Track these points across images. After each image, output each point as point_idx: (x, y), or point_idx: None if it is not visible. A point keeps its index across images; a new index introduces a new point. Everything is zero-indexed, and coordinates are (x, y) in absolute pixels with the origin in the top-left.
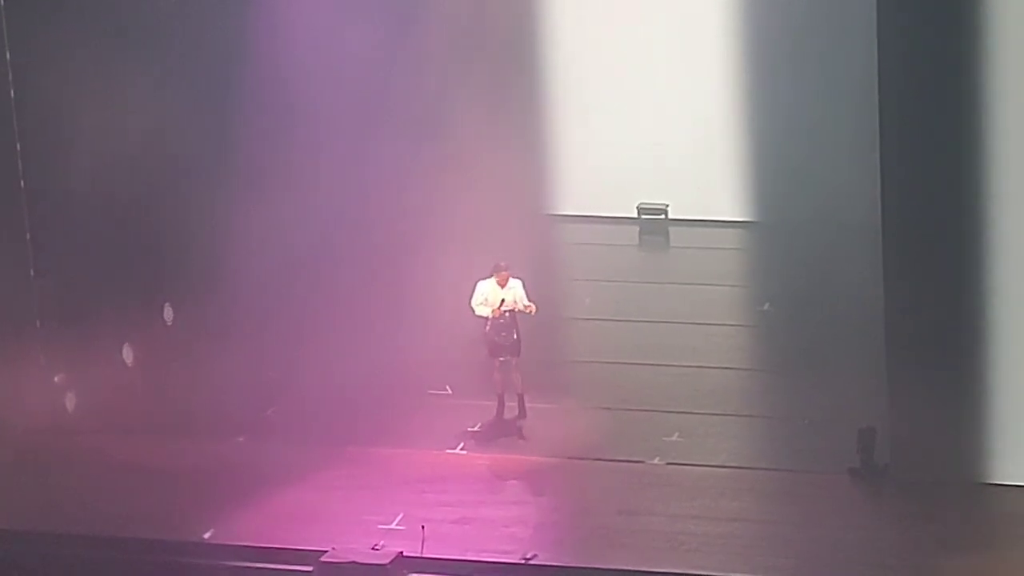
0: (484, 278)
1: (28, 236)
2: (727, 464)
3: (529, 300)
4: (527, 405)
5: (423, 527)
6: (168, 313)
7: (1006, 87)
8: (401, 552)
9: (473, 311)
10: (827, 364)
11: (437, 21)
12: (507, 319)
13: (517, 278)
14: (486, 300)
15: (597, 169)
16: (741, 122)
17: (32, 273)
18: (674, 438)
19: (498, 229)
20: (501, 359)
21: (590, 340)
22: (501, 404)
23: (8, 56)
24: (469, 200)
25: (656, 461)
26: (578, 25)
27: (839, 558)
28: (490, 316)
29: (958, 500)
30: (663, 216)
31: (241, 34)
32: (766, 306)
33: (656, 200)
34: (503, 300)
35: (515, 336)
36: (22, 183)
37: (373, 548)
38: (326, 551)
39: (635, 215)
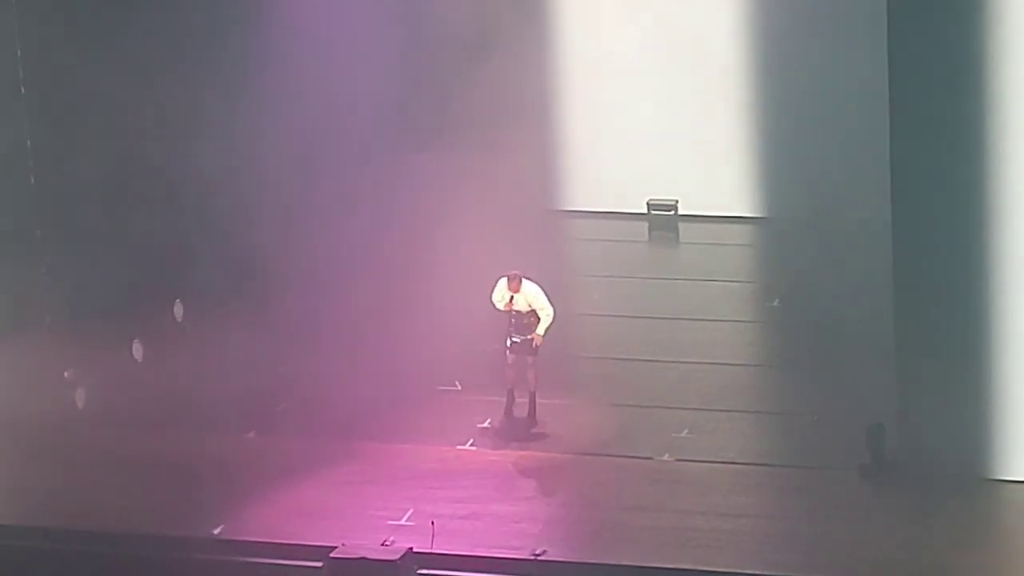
0: (503, 275)
1: (39, 233)
2: (737, 460)
3: (548, 304)
4: (537, 403)
5: (433, 523)
6: (178, 309)
7: (1018, 84)
8: (411, 548)
9: (494, 305)
10: (836, 360)
11: (446, 18)
12: (529, 318)
13: (534, 283)
14: (502, 298)
15: (606, 165)
16: (751, 117)
17: (43, 269)
18: (683, 434)
19: (508, 225)
20: (515, 356)
21: (599, 336)
22: (511, 400)
23: (19, 53)
24: (479, 196)
25: (665, 457)
26: (587, 21)
27: (848, 554)
28: (503, 310)
29: (967, 496)
30: (673, 212)
31: (254, 30)
32: (775, 302)
33: (666, 196)
34: (512, 298)
35: (532, 337)
36: (32, 180)
37: (383, 544)
38: (336, 547)
39: (645, 211)
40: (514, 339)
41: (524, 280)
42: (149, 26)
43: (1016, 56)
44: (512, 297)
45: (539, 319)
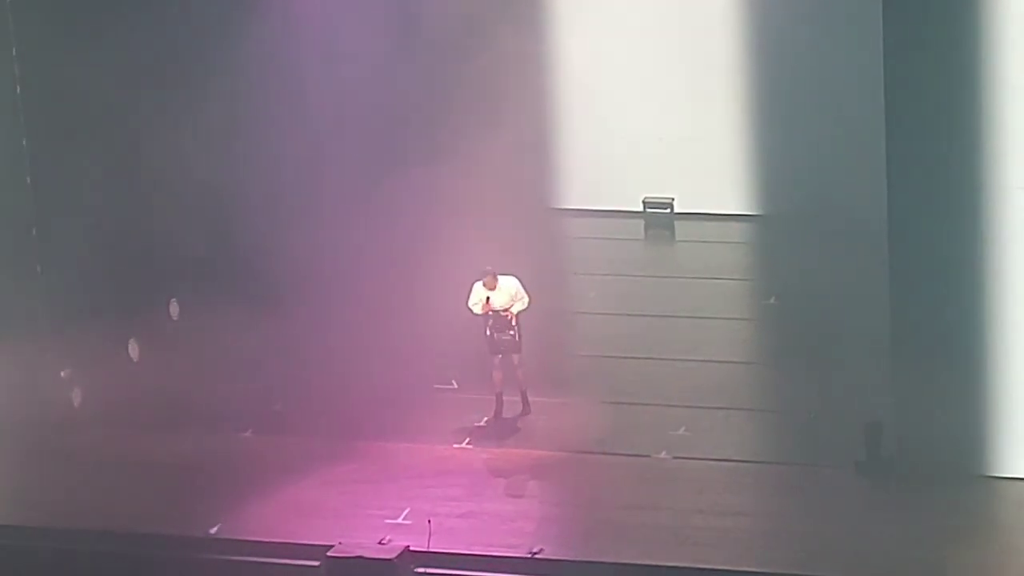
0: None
1: (34, 232)
2: (733, 458)
3: (526, 293)
4: (530, 400)
5: (429, 521)
6: (174, 308)
7: (1013, 82)
8: (408, 546)
9: (471, 310)
10: (833, 358)
11: (442, 14)
12: (506, 317)
13: (511, 275)
14: (479, 301)
15: (602, 163)
16: (747, 115)
17: (38, 269)
18: (680, 432)
19: (503, 223)
20: (500, 357)
21: (595, 334)
22: (499, 403)
23: (14, 52)
24: (474, 194)
25: (662, 455)
26: (583, 17)
27: (845, 551)
28: (481, 313)
29: (964, 493)
30: (668, 210)
31: (253, 29)
32: (772, 300)
33: (661, 194)
34: (488, 299)
35: (514, 334)
36: (28, 179)
37: (380, 542)
38: (333, 546)
39: (640, 209)
40: (496, 336)
41: (499, 276)
42: (146, 25)
43: (1013, 51)
44: (488, 298)
45: (517, 318)
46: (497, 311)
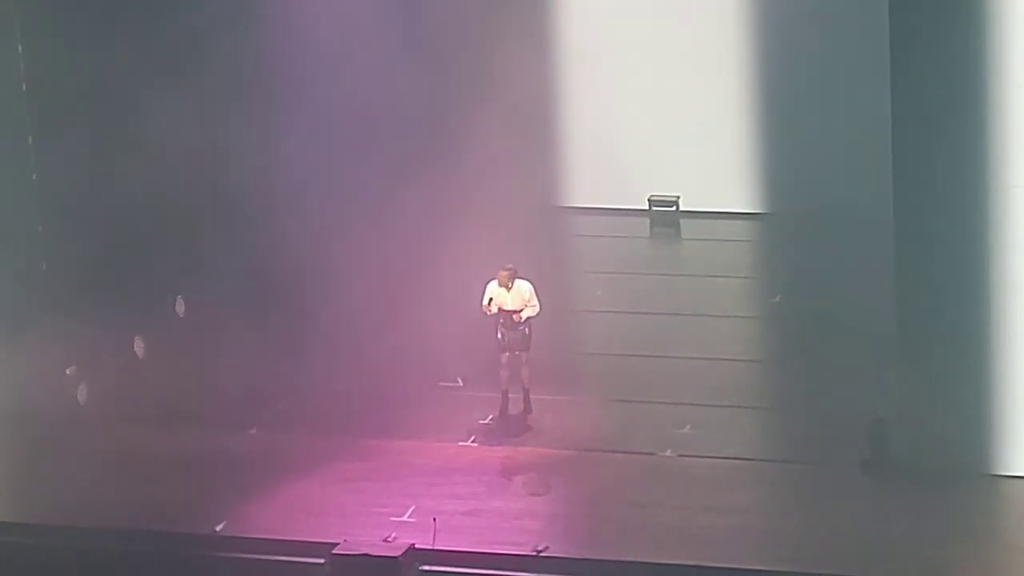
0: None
1: (40, 229)
2: (738, 456)
3: (538, 301)
4: (535, 399)
5: (435, 519)
6: (179, 305)
7: (1018, 80)
8: (413, 544)
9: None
10: (838, 356)
11: (448, 13)
12: (517, 317)
13: (525, 279)
14: (489, 299)
15: (608, 161)
16: (752, 113)
17: (44, 266)
18: (685, 430)
19: (510, 221)
20: (508, 355)
21: (601, 332)
22: (505, 400)
23: (20, 49)
24: (481, 192)
25: (667, 453)
26: (590, 16)
27: (850, 549)
28: (488, 314)
29: (970, 492)
30: (674, 208)
31: (257, 29)
32: (777, 298)
33: (667, 192)
34: (491, 300)
35: (525, 332)
36: (34, 176)
37: (385, 540)
38: (338, 543)
39: (646, 207)
40: (507, 334)
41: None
42: (152, 22)
43: (1018, 49)
44: (491, 299)
45: (527, 319)
46: (507, 312)
